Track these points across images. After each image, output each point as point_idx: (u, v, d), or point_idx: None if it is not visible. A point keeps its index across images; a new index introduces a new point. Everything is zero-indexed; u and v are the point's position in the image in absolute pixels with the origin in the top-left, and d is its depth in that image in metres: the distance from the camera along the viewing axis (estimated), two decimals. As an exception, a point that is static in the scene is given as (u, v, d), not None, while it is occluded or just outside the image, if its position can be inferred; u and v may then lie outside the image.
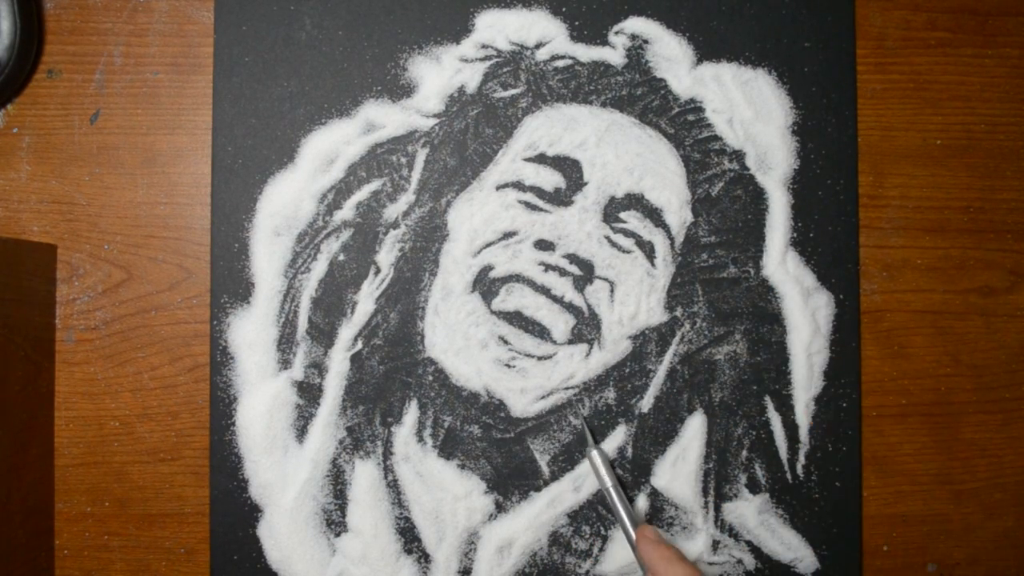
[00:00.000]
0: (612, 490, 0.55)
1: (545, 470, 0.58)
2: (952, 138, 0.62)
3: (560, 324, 0.57)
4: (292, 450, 0.57)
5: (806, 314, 0.59)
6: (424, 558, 0.57)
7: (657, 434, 0.58)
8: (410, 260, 0.58)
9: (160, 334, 0.58)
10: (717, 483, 0.58)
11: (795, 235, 0.60)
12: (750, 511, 0.58)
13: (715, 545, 0.58)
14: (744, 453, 0.58)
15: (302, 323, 0.57)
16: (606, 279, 0.58)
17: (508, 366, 0.57)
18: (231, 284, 0.57)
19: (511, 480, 0.57)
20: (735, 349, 0.59)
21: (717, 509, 0.58)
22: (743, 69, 0.60)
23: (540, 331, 0.58)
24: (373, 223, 0.58)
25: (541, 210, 0.58)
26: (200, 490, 0.58)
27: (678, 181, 0.59)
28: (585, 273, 0.58)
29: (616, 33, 0.60)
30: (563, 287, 0.58)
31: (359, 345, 0.57)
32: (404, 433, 0.57)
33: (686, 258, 0.59)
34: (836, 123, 0.60)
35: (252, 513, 0.57)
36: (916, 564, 0.60)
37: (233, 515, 0.57)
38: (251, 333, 0.57)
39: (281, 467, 0.57)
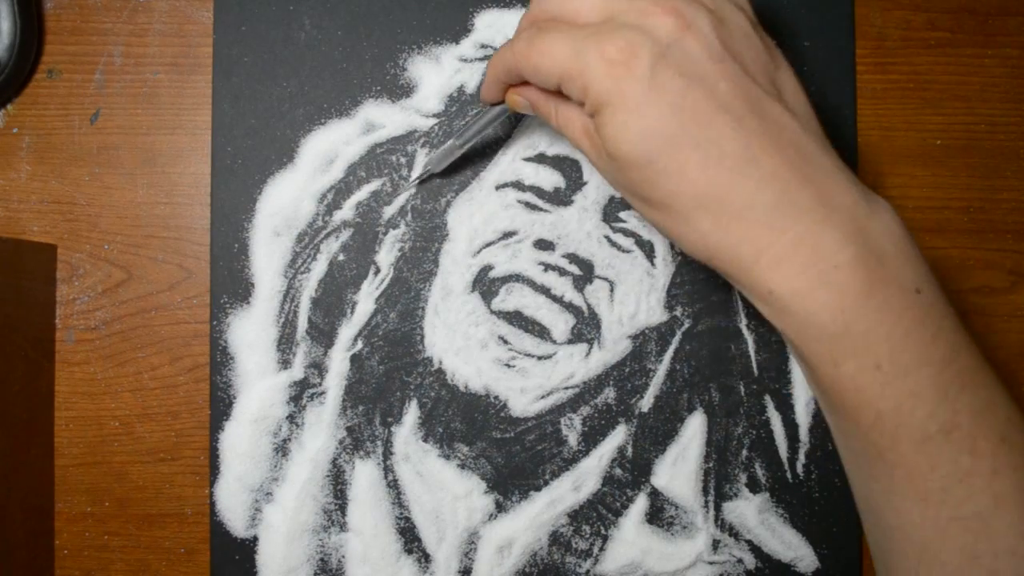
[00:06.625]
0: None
1: (547, 468, 0.58)
2: (952, 138, 0.62)
3: (560, 324, 0.57)
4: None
5: (806, 314, 0.59)
6: (424, 558, 0.57)
7: (657, 434, 0.58)
8: (410, 260, 0.58)
9: (160, 334, 0.58)
10: (717, 482, 0.58)
11: (795, 235, 0.59)
12: (750, 510, 0.58)
13: (715, 544, 0.58)
14: (744, 452, 0.58)
15: (302, 323, 0.57)
16: (606, 279, 0.58)
17: (508, 366, 0.57)
18: (231, 284, 0.57)
19: (511, 480, 0.57)
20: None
21: (717, 508, 0.58)
22: (743, 69, 0.60)
23: (540, 331, 0.58)
24: (373, 223, 0.58)
25: (541, 210, 0.58)
26: (200, 490, 0.58)
27: (678, 181, 0.59)
28: (585, 273, 0.58)
29: (616, 33, 0.59)
30: (563, 287, 0.58)
31: (359, 345, 0.57)
32: (404, 433, 0.57)
33: (686, 257, 0.59)
34: (836, 123, 0.60)
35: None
36: (916, 564, 0.60)
37: (233, 515, 0.57)
38: (251, 333, 0.57)
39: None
